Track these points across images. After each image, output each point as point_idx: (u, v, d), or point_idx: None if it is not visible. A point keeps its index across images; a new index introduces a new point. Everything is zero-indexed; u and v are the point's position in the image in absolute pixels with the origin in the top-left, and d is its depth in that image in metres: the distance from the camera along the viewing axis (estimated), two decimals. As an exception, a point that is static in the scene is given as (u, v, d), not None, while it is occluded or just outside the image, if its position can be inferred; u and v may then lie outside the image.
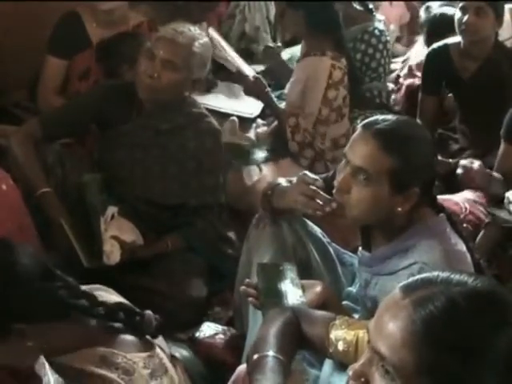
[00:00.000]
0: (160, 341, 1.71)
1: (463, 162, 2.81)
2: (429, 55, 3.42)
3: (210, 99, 3.55)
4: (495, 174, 2.82)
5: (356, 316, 1.92)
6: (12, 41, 3.26)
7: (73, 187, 2.59)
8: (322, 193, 1.99)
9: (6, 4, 3.27)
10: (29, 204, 2.40)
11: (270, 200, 2.13)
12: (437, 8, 4.17)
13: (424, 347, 1.02)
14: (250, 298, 1.90)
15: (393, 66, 4.43)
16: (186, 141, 2.64)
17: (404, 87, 3.97)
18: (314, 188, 2.00)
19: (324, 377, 1.72)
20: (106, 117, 2.66)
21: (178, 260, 2.57)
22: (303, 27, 3.28)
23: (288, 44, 4.29)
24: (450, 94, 3.53)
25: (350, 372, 1.12)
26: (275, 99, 3.47)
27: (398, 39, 5.23)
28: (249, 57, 4.30)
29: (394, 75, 4.34)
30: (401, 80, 4.11)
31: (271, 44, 4.12)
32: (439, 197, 1.95)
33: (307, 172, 2.12)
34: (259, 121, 3.59)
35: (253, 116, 3.60)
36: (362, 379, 1.09)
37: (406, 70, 4.05)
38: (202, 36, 2.64)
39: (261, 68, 4.18)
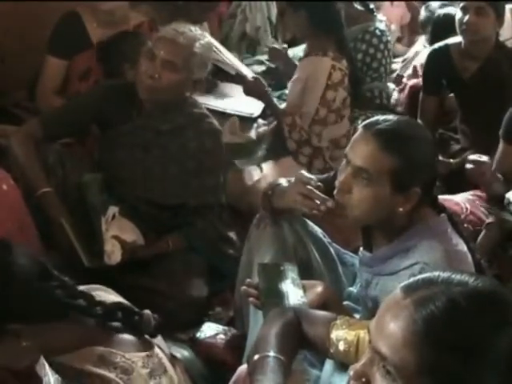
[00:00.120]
0: (159, 340, 1.71)
1: (472, 156, 2.79)
2: (429, 55, 3.42)
3: (210, 99, 3.55)
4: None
5: (357, 316, 1.92)
6: (12, 41, 3.26)
7: (73, 187, 2.59)
8: (317, 192, 1.99)
9: (5, 4, 3.27)
10: (29, 204, 2.40)
11: (270, 200, 2.13)
12: (437, 8, 4.17)
13: (425, 347, 1.02)
14: (251, 298, 1.90)
15: (394, 66, 4.43)
16: (187, 141, 2.64)
17: (408, 87, 3.96)
18: (310, 187, 2.01)
19: (325, 377, 1.72)
20: (107, 117, 2.66)
21: (179, 260, 2.57)
22: (305, 27, 3.28)
23: (289, 44, 4.29)
24: (452, 94, 3.53)
25: (350, 372, 1.12)
26: (275, 99, 3.48)
27: (398, 39, 5.24)
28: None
29: (394, 75, 4.34)
30: (404, 80, 4.11)
31: (277, 45, 4.12)
32: (440, 197, 1.95)
33: (304, 172, 2.12)
34: (260, 121, 3.59)
35: (254, 116, 3.60)
36: (363, 379, 1.09)
37: (410, 70, 4.04)
38: (203, 36, 2.64)
39: (262, 68, 4.18)
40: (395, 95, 4.12)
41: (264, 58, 4.32)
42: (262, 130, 3.53)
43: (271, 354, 1.45)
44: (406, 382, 1.03)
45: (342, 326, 1.55)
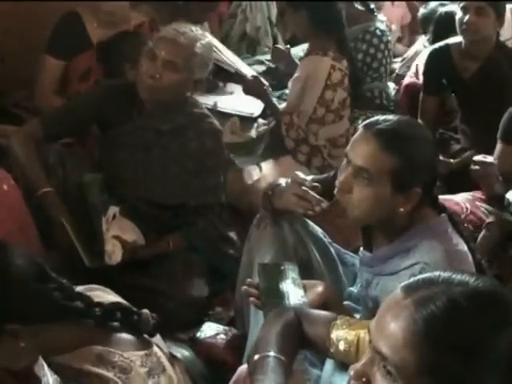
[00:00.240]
0: (158, 339, 1.70)
1: (477, 157, 2.79)
2: (430, 55, 3.42)
3: (210, 99, 3.55)
4: (496, 174, 2.82)
5: (357, 316, 1.92)
6: (12, 41, 3.26)
7: (74, 187, 2.59)
8: (312, 193, 2.01)
9: (5, 4, 3.27)
10: (30, 204, 2.40)
11: (270, 200, 2.13)
12: (436, 7, 4.17)
13: (425, 347, 1.02)
14: (252, 298, 1.90)
15: (394, 66, 4.43)
16: (187, 141, 2.64)
17: (403, 86, 3.96)
18: (305, 188, 2.02)
19: (325, 377, 1.72)
20: (107, 117, 2.66)
21: (179, 260, 2.57)
22: (306, 27, 3.29)
23: (289, 44, 4.28)
24: (452, 94, 3.53)
25: (351, 372, 1.12)
26: (275, 99, 3.48)
27: (399, 39, 5.24)
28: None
29: (394, 75, 4.34)
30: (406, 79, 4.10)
31: (280, 45, 4.12)
32: (440, 197, 1.95)
33: (299, 172, 2.14)
34: (260, 120, 3.59)
35: (254, 116, 3.60)
36: (364, 379, 1.09)
37: (413, 69, 4.03)
38: (204, 36, 2.64)
39: (262, 68, 4.18)
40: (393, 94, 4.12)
41: (264, 57, 4.33)
42: (262, 129, 3.53)
43: (272, 353, 1.45)
44: (407, 381, 1.03)
45: (343, 326, 1.55)
